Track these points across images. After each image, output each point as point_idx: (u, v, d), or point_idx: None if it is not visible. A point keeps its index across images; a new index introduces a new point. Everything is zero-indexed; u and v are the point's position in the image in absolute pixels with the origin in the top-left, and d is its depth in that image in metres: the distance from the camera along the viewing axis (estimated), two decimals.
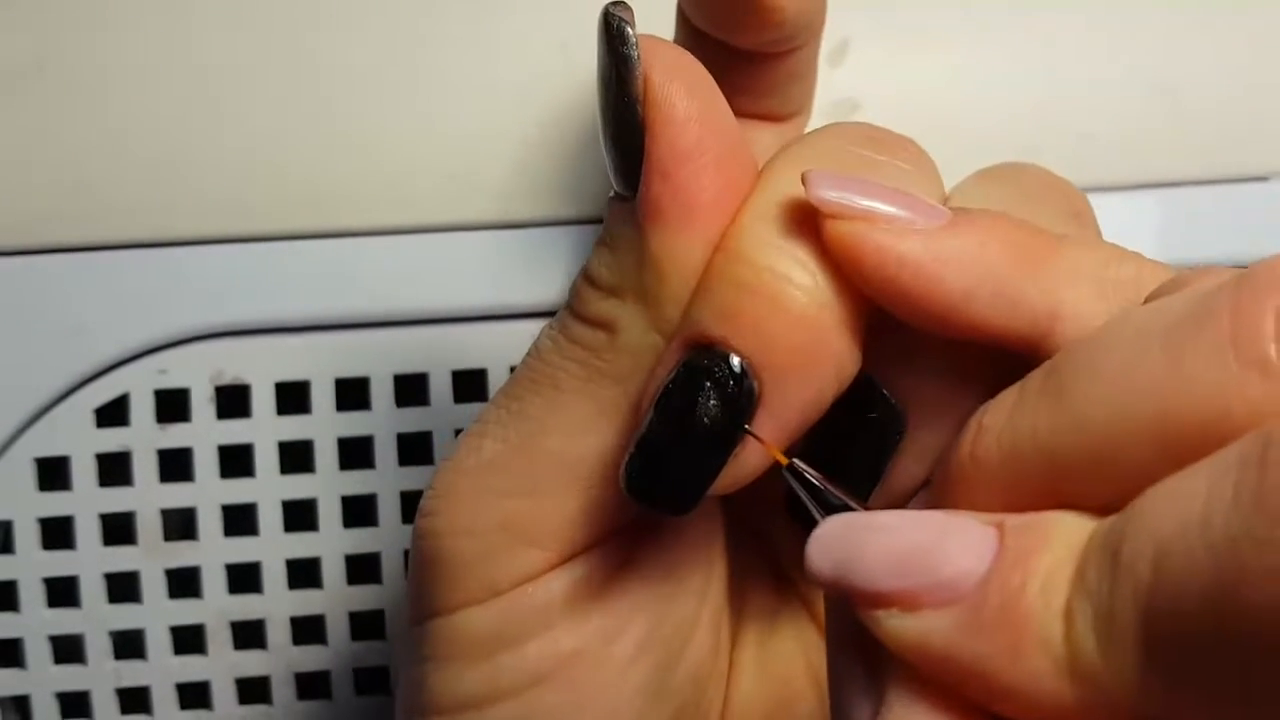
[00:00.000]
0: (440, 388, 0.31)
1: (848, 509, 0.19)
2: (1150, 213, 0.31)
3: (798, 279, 0.19)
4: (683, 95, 0.20)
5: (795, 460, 0.20)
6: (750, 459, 0.20)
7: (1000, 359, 0.20)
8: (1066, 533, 0.17)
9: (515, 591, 0.22)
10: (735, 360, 0.19)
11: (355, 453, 0.31)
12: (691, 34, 0.25)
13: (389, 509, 0.31)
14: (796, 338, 0.19)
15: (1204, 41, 0.32)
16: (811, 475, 0.20)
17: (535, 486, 0.22)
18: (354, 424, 0.31)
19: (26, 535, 0.30)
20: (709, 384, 0.19)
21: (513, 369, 0.31)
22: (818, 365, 0.20)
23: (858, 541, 0.18)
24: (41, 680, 0.30)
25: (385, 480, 0.31)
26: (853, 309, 0.20)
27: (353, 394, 0.31)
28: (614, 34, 0.20)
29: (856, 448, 0.21)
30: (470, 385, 0.31)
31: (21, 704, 0.30)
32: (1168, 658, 0.15)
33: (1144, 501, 0.16)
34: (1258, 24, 0.32)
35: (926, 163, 0.22)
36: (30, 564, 0.30)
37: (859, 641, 0.18)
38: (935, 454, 0.21)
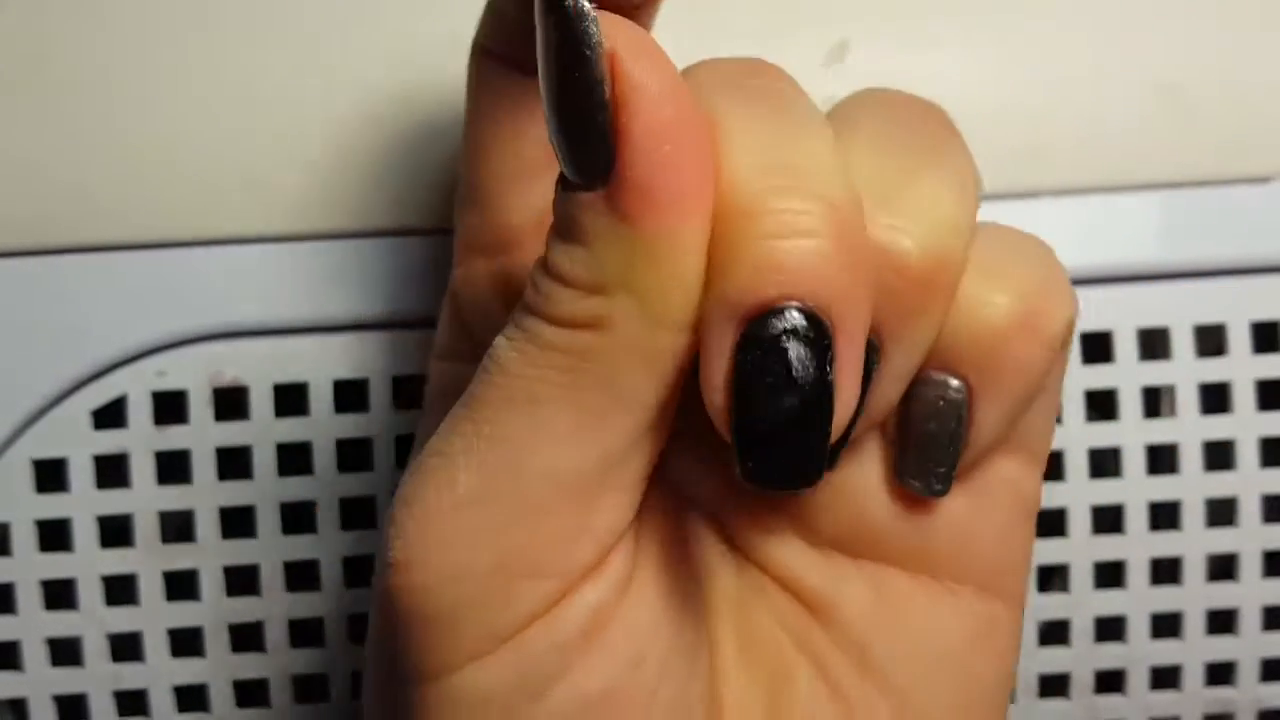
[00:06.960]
0: None
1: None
2: (1151, 214, 0.31)
3: (817, 208, 0.19)
4: (653, 71, 0.19)
5: None
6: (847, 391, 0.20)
7: None
8: None
9: (523, 634, 0.20)
10: (799, 310, 0.19)
11: (354, 455, 0.31)
12: None
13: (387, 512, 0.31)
14: (842, 261, 0.19)
15: (1206, 43, 0.32)
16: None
17: (527, 511, 0.20)
18: (353, 426, 0.31)
19: (23, 537, 0.30)
20: (791, 341, 0.19)
21: None
22: (866, 278, 0.19)
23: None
24: (39, 683, 0.30)
25: (384, 482, 0.31)
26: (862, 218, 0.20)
27: (351, 396, 0.31)
28: (572, 12, 0.18)
29: None
30: None
31: (18, 707, 0.30)
32: None
33: None
34: (1260, 25, 0.32)
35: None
36: (27, 566, 0.30)
37: None
38: (908, 375, 0.21)
